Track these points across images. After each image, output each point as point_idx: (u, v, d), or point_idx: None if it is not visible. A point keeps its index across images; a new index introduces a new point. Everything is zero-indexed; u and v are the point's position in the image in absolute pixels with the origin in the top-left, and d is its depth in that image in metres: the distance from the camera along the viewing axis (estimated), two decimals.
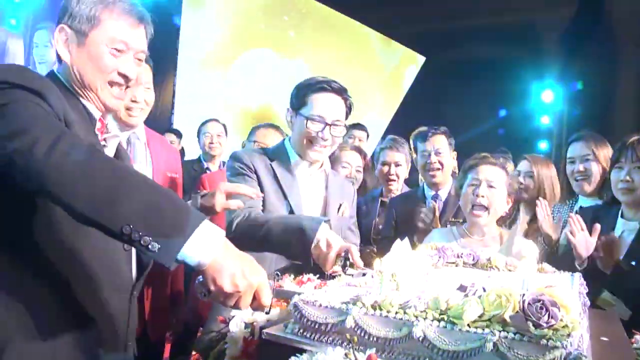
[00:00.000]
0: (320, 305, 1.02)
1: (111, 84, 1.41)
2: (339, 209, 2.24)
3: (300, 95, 2.14)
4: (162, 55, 6.05)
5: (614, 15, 9.14)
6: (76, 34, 1.37)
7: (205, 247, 1.04)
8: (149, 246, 1.02)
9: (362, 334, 0.95)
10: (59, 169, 1.02)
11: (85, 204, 1.03)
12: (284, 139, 2.31)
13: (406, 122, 10.45)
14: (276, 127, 3.27)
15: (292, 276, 1.70)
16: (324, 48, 9.32)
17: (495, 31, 9.55)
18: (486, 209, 2.23)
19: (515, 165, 3.45)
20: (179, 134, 5.29)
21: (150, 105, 2.26)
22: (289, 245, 1.87)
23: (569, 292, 1.00)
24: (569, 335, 0.86)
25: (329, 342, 0.99)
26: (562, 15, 9.88)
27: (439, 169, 3.05)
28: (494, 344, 0.85)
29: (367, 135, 4.55)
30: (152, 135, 2.52)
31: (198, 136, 4.29)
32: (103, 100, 1.41)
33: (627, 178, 2.23)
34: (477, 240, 2.27)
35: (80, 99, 1.41)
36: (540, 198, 2.33)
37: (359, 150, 3.39)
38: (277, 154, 2.19)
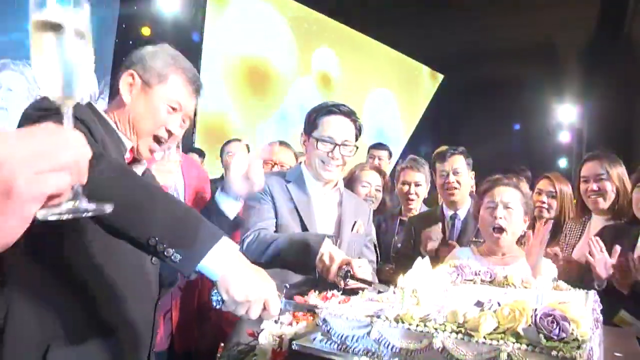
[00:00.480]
0: (347, 318, 1.10)
1: (155, 137, 1.56)
2: (353, 226, 2.34)
3: (312, 120, 2.27)
4: None
5: (632, 34, 9.15)
6: (143, 83, 1.53)
7: (222, 260, 1.16)
8: (172, 257, 1.13)
9: (386, 345, 1.03)
10: (94, 187, 1.13)
11: (115, 218, 1.12)
12: (300, 162, 2.44)
13: (425, 140, 10.54)
14: (286, 144, 3.39)
15: (317, 292, 1.79)
16: (347, 66, 9.46)
17: (515, 50, 9.61)
18: (505, 230, 2.28)
19: (535, 183, 3.50)
20: (202, 154, 5.43)
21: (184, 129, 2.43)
22: (295, 260, 2.00)
23: (580, 308, 1.07)
24: (578, 347, 0.92)
25: (354, 352, 1.07)
26: (581, 35, 9.90)
27: (456, 189, 3.12)
28: (508, 355, 0.92)
29: (390, 154, 4.64)
30: (184, 157, 2.69)
31: (221, 155, 4.42)
32: (139, 148, 1.55)
33: None
34: (499, 259, 2.32)
35: (116, 129, 1.54)
36: (593, 237, 2.34)
37: (378, 170, 3.47)
38: (293, 176, 2.32)
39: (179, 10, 7.23)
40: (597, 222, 2.87)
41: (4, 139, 0.61)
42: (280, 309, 1.28)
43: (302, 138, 2.35)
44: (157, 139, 1.57)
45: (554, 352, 0.90)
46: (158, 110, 1.53)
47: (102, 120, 1.50)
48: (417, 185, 3.49)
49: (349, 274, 1.90)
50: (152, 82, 1.53)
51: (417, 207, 3.51)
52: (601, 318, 1.37)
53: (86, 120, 1.35)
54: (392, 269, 3.10)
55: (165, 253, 1.13)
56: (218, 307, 1.23)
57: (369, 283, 1.88)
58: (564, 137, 11.07)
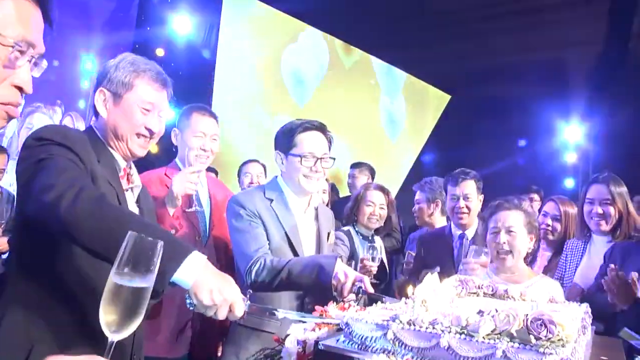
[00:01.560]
0: (366, 322, 1.28)
1: (138, 135, 1.74)
2: (328, 236, 2.54)
3: (288, 138, 2.42)
4: (198, 97, 6.41)
5: (639, 54, 9.27)
6: (113, 95, 1.72)
7: (191, 272, 1.34)
8: None
9: (400, 345, 1.21)
10: (77, 218, 1.34)
11: (96, 243, 1.35)
12: (276, 177, 2.55)
13: (432, 161, 10.67)
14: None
15: (335, 303, 1.98)
16: (351, 91, 9.66)
17: (522, 70, 9.76)
18: (510, 252, 2.46)
19: (542, 204, 3.67)
20: (215, 172, 5.64)
21: (215, 153, 2.67)
22: (311, 282, 2.16)
23: (567, 315, 1.24)
24: (563, 346, 1.10)
25: (373, 351, 1.25)
26: (588, 54, 10.03)
27: (465, 213, 3.30)
28: (503, 352, 1.10)
29: (370, 172, 4.87)
30: (210, 179, 2.90)
31: (239, 175, 4.62)
32: (131, 149, 1.75)
33: None
34: (508, 277, 2.49)
35: (111, 150, 1.75)
36: (611, 265, 2.44)
37: (382, 189, 3.66)
38: (273, 193, 2.45)
39: (193, 32, 7.39)
40: (598, 242, 3.02)
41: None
42: (245, 312, 1.49)
43: (277, 157, 2.48)
44: (142, 136, 1.75)
45: (541, 349, 1.08)
46: (133, 114, 1.72)
47: (99, 144, 1.72)
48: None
49: (361, 290, 2.10)
50: (120, 92, 1.72)
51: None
52: (589, 326, 1.54)
53: (78, 150, 1.55)
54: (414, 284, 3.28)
55: None
56: (191, 309, 1.44)
57: (379, 296, 2.05)
58: (571, 158, 11.16)
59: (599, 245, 2.97)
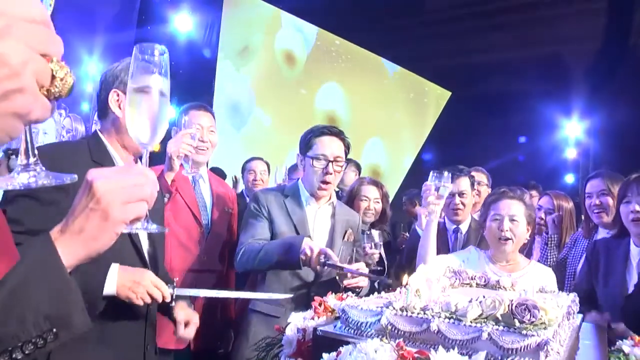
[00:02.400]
0: (362, 309, 1.36)
1: None
2: (345, 235, 2.67)
3: (307, 141, 2.61)
4: (199, 95, 6.47)
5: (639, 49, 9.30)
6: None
7: (111, 285, 1.61)
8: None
9: (393, 329, 1.29)
10: None
11: None
12: (298, 179, 2.75)
13: (432, 157, 10.72)
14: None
15: (334, 294, 2.06)
16: (354, 89, 9.71)
17: (522, 65, 9.80)
18: (510, 239, 2.53)
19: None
20: (223, 175, 5.73)
21: (214, 146, 2.76)
22: (283, 258, 2.37)
23: (551, 301, 1.31)
24: (545, 328, 1.18)
25: (368, 336, 1.32)
26: (587, 49, 10.07)
27: (460, 209, 3.38)
28: (488, 334, 1.17)
29: (357, 168, 4.91)
30: (212, 175, 2.99)
31: (242, 172, 4.69)
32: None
33: (637, 208, 2.47)
34: (504, 266, 2.57)
35: (118, 151, 1.82)
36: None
37: (375, 183, 3.71)
38: (291, 192, 2.65)
39: (194, 30, 7.48)
40: (603, 235, 3.08)
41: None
42: (172, 295, 1.78)
43: (298, 158, 2.69)
44: None
45: (524, 332, 1.15)
46: None
47: (102, 152, 1.79)
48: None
49: (326, 261, 2.31)
50: None
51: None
52: (576, 314, 1.62)
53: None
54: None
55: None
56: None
57: (340, 267, 2.32)
58: (571, 153, 11.21)
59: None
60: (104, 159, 1.77)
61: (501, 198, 2.62)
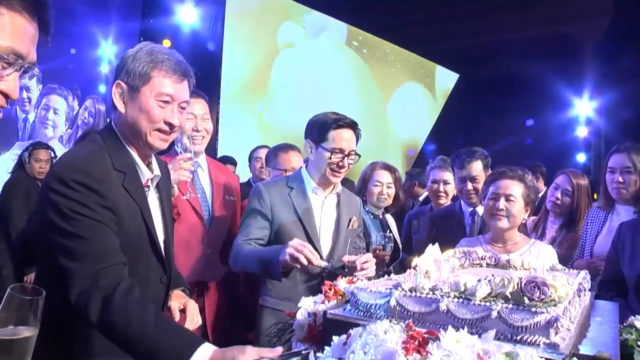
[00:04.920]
0: (371, 291, 1.36)
1: (158, 130, 1.67)
2: (349, 223, 2.65)
3: (321, 131, 2.54)
4: (205, 84, 6.48)
5: None
6: (130, 89, 1.64)
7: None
8: None
9: (402, 310, 1.29)
10: (105, 329, 1.47)
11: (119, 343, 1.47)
12: (301, 167, 2.69)
13: (442, 140, 10.67)
14: (293, 147, 3.50)
15: (345, 278, 2.07)
16: (365, 71, 9.66)
17: (531, 45, 9.68)
18: (503, 217, 2.53)
19: (552, 179, 3.71)
20: (234, 162, 5.76)
21: (210, 133, 2.71)
22: (262, 273, 2.44)
23: (561, 278, 1.30)
24: (555, 305, 1.17)
25: (377, 318, 1.33)
26: (597, 26, 9.93)
27: (473, 194, 3.37)
28: (498, 312, 1.17)
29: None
30: (212, 162, 2.93)
31: (249, 160, 4.69)
32: (151, 144, 1.68)
33: None
34: (499, 247, 2.57)
35: (130, 148, 1.70)
36: None
37: (388, 167, 3.71)
38: (294, 182, 2.60)
39: (198, 22, 7.43)
40: (621, 211, 3.04)
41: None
42: None
43: (307, 146, 2.61)
44: (163, 132, 1.68)
45: (533, 309, 1.15)
46: (151, 108, 1.63)
47: (123, 155, 1.68)
48: (445, 183, 3.78)
49: (327, 268, 2.32)
50: (137, 85, 1.62)
51: (446, 203, 3.82)
52: (587, 291, 1.61)
53: (103, 191, 1.55)
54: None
55: None
56: None
57: (343, 267, 2.34)
58: (582, 132, 11.11)
59: (623, 215, 2.99)
60: (123, 166, 1.67)
61: (500, 178, 2.64)
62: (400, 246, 3.74)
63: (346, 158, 2.53)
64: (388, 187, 3.58)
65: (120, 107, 1.66)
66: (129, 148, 1.71)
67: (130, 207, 1.64)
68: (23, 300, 1.01)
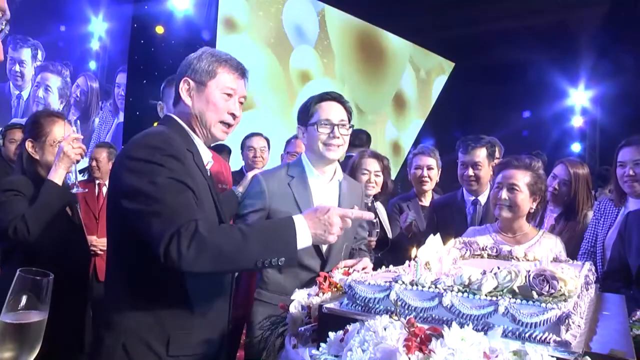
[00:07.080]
0: (369, 284, 1.28)
1: (222, 122, 1.87)
2: None
3: (306, 110, 2.46)
4: None
5: None
6: (197, 84, 1.84)
7: (305, 234, 1.64)
8: (279, 262, 1.59)
9: (403, 305, 1.21)
10: (200, 270, 1.55)
11: (226, 268, 1.67)
12: (301, 154, 2.58)
13: (437, 128, 10.61)
14: None
15: (341, 270, 1.99)
16: (358, 63, 9.56)
17: (526, 34, 9.60)
18: (507, 207, 2.46)
19: (551, 168, 3.64)
20: (229, 151, 5.65)
21: None
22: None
23: (570, 271, 1.23)
24: (565, 300, 1.10)
25: (376, 312, 1.25)
26: (594, 14, 9.85)
27: (474, 181, 3.30)
28: (505, 308, 1.10)
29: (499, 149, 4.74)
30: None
31: (242, 149, 4.58)
32: (214, 134, 1.87)
33: None
34: (509, 237, 2.50)
35: (194, 136, 1.87)
36: None
37: (376, 155, 3.64)
38: (295, 170, 2.49)
39: (191, 9, 7.33)
40: (633, 205, 2.97)
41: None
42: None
43: (299, 131, 2.53)
44: (226, 124, 1.88)
45: (543, 304, 1.08)
46: (217, 100, 1.84)
47: (184, 134, 1.84)
48: (429, 168, 3.75)
49: None
50: (204, 80, 1.83)
51: (430, 188, 3.83)
52: (593, 283, 1.54)
53: (183, 159, 1.69)
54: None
55: (272, 263, 1.59)
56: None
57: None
58: (577, 122, 11.07)
59: (635, 209, 2.93)
60: (191, 146, 1.82)
61: (506, 167, 2.58)
62: (390, 235, 3.68)
63: (336, 128, 2.40)
64: (376, 175, 3.51)
65: (187, 101, 1.85)
66: (192, 134, 1.88)
67: (202, 183, 1.78)
68: (33, 283, 1.01)
